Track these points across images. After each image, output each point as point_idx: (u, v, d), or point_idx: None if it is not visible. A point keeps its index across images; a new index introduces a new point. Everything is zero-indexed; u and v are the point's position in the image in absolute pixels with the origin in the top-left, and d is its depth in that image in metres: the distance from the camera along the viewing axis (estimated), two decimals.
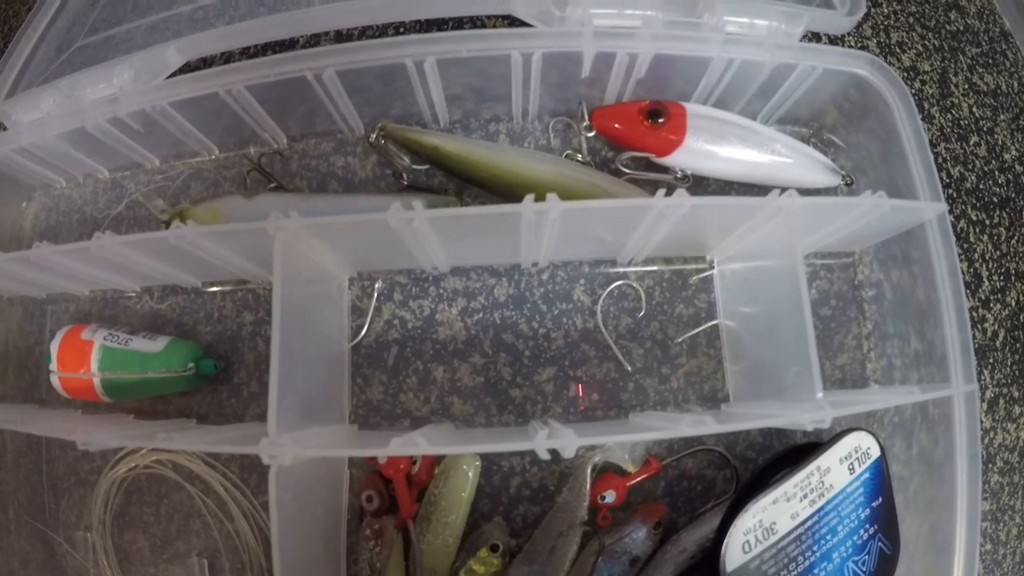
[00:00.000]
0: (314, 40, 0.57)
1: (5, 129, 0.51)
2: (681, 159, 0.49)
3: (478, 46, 0.45)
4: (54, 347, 0.50)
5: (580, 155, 0.51)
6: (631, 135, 0.49)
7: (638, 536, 0.46)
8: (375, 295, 0.51)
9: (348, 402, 0.50)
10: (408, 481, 0.46)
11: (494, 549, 0.46)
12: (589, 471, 0.46)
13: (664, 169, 0.51)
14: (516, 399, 0.49)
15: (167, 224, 0.53)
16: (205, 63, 0.54)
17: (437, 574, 0.45)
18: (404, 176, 0.52)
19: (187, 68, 0.49)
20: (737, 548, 0.43)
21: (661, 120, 0.49)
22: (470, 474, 0.46)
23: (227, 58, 0.56)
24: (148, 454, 0.52)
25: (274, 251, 0.39)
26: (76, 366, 0.50)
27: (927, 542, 0.46)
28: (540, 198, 0.38)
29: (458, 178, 0.51)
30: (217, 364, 0.52)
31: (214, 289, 0.54)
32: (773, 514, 0.43)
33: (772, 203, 0.41)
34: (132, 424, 0.51)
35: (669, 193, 0.39)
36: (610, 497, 0.47)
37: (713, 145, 0.49)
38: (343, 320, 0.51)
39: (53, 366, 0.50)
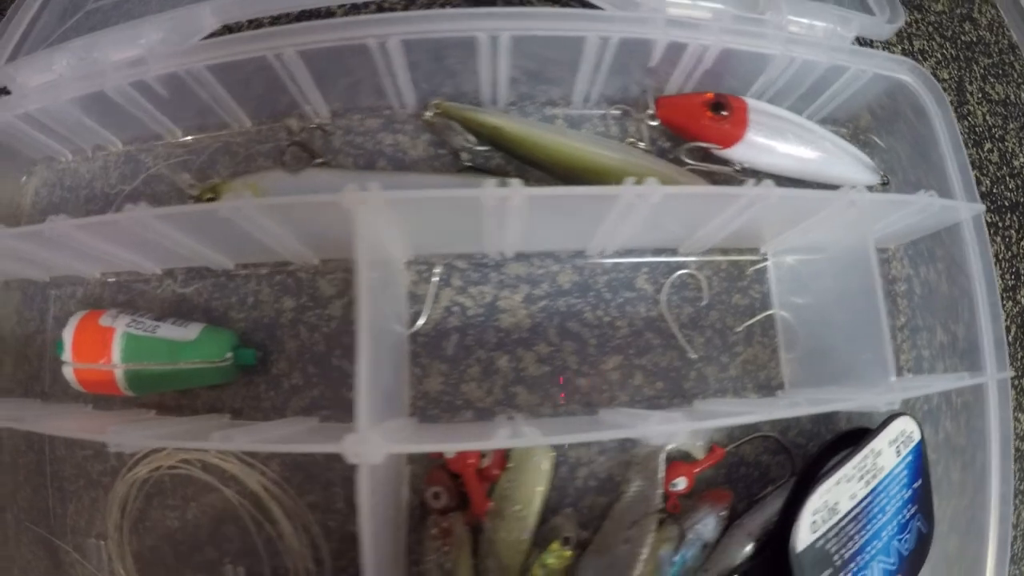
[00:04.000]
0: (353, 9, 0.49)
1: (9, 93, 0.41)
2: (740, 153, 0.46)
3: (557, 25, 0.40)
4: (68, 335, 0.41)
5: (642, 143, 0.47)
6: (695, 126, 0.45)
7: (709, 522, 0.42)
8: (436, 280, 0.45)
9: (408, 394, 0.44)
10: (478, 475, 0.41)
11: (566, 542, 0.41)
12: (662, 459, 0.42)
13: (720, 162, 0.48)
14: (583, 388, 0.45)
15: (199, 199, 0.44)
16: (228, 29, 0.45)
17: (509, 571, 0.40)
18: (463, 156, 0.46)
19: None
20: (806, 528, 0.40)
21: (724, 113, 0.45)
22: (544, 466, 0.41)
23: (256, 25, 0.48)
24: (174, 453, 0.44)
25: (356, 227, 0.32)
26: (95, 356, 0.41)
27: (951, 523, 0.45)
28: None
29: (519, 160, 0.45)
30: (256, 354, 0.44)
31: (248, 272, 0.46)
32: (836, 494, 0.41)
33: (845, 197, 0.39)
34: (159, 421, 0.42)
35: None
36: (681, 484, 0.43)
37: (772, 140, 0.46)
38: (401, 306, 0.44)
39: (66, 356, 0.41)
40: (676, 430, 0.32)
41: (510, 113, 0.48)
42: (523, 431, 0.30)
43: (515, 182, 0.33)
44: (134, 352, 0.41)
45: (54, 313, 0.46)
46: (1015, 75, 0.54)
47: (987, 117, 0.53)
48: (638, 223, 0.39)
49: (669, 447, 0.43)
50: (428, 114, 0.45)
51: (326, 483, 0.44)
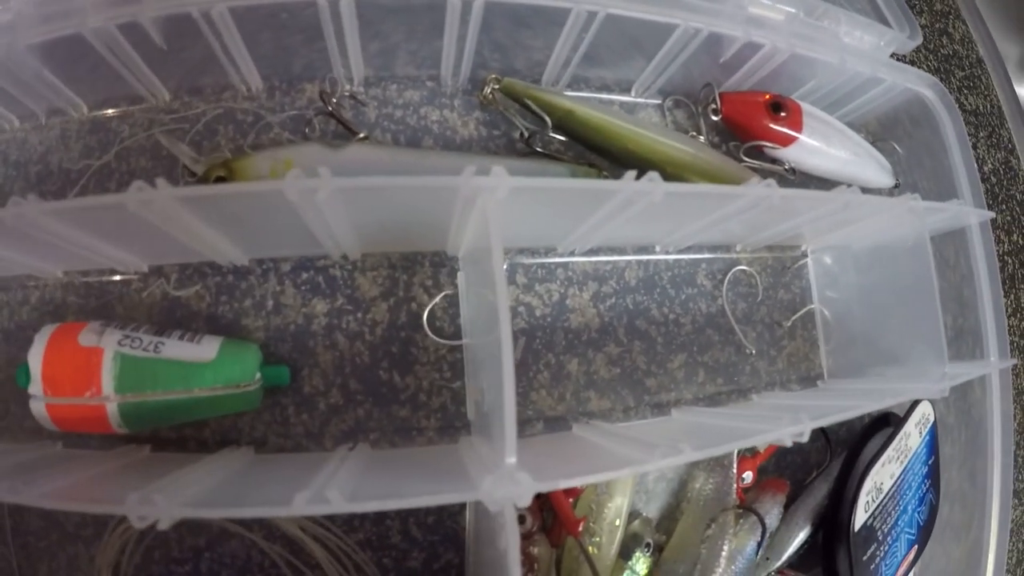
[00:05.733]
0: None
1: None
2: (792, 153, 0.45)
3: (655, 10, 0.35)
4: (35, 359, 0.29)
5: (701, 137, 0.44)
6: (756, 125, 0.43)
7: (774, 511, 0.42)
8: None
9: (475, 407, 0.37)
10: None
11: (647, 547, 0.38)
12: (735, 455, 0.41)
13: (770, 161, 0.46)
14: (652, 389, 0.41)
15: (204, 178, 0.34)
16: None
17: None
18: (528, 139, 0.39)
19: None
20: (862, 509, 0.41)
21: (783, 114, 0.44)
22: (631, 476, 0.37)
23: None
24: None
25: (488, 221, 0.25)
26: (79, 387, 0.29)
27: (944, 492, 0.48)
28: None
29: (585, 146, 0.40)
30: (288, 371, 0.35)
31: (265, 268, 0.37)
32: (883, 475, 0.42)
33: (904, 204, 0.39)
34: (177, 468, 0.31)
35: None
36: (748, 478, 0.41)
37: (820, 143, 0.45)
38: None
39: (36, 388, 0.29)
40: (804, 430, 0.30)
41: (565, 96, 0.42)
42: (679, 447, 0.26)
43: (654, 175, 0.28)
44: (133, 379, 0.30)
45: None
46: (982, 87, 0.59)
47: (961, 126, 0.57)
48: (732, 222, 0.36)
49: None
50: (487, 90, 0.39)
51: (377, 517, 0.36)
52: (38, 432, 0.32)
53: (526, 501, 0.24)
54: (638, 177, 0.28)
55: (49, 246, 0.29)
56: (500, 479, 0.24)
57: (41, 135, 0.35)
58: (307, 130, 0.38)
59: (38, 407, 0.29)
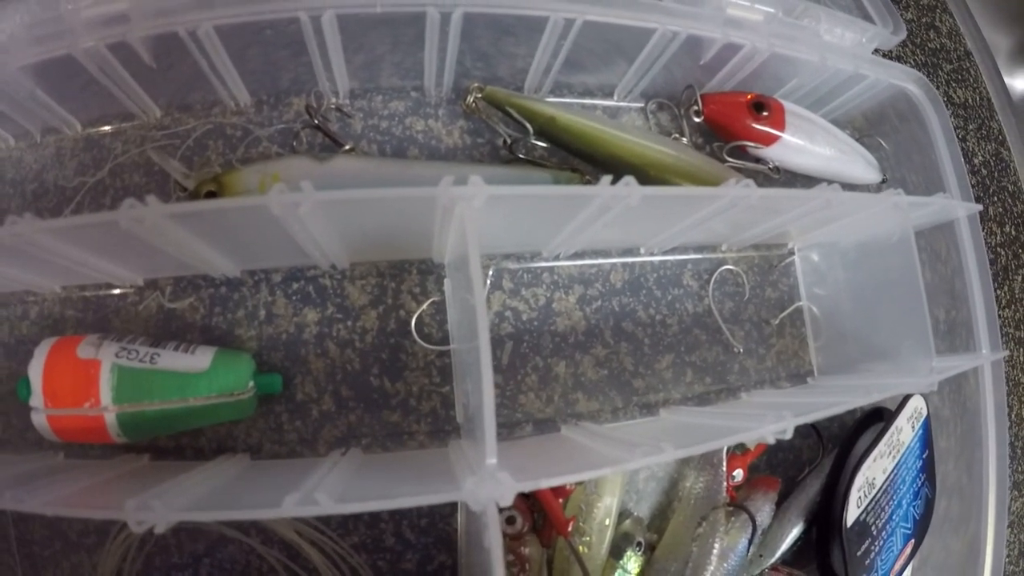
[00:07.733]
0: None
1: None
2: (775, 152, 0.46)
3: (633, 15, 0.36)
4: (36, 372, 0.31)
5: (684, 139, 0.45)
6: (738, 125, 0.44)
7: (765, 509, 0.42)
8: (487, 283, 0.40)
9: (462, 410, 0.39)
10: None
11: (638, 546, 0.39)
12: (724, 453, 0.42)
13: (753, 160, 0.47)
14: (639, 390, 0.42)
15: (195, 193, 0.35)
16: None
17: None
18: (511, 146, 0.40)
19: None
20: (854, 504, 0.42)
21: (765, 114, 0.45)
22: (620, 475, 0.38)
23: None
24: None
25: (466, 229, 0.27)
26: (77, 398, 0.31)
27: (941, 487, 0.49)
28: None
29: (568, 152, 0.41)
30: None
31: (257, 279, 0.38)
32: (874, 470, 0.43)
33: (889, 200, 0.40)
34: (172, 476, 0.33)
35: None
36: (739, 476, 0.42)
37: (804, 141, 0.46)
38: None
39: (36, 400, 0.31)
40: (787, 427, 0.31)
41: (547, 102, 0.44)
42: (661, 446, 0.27)
43: (629, 179, 0.29)
44: (130, 390, 0.32)
45: None
46: (971, 80, 0.59)
47: (950, 119, 0.57)
48: (714, 222, 0.37)
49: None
50: (470, 99, 0.40)
51: (371, 520, 0.38)
52: (40, 443, 0.34)
53: (508, 500, 0.25)
54: (615, 181, 0.29)
55: (47, 262, 0.31)
56: (482, 479, 0.25)
57: (36, 153, 0.36)
58: (295, 143, 0.39)
59: (39, 419, 0.31)
